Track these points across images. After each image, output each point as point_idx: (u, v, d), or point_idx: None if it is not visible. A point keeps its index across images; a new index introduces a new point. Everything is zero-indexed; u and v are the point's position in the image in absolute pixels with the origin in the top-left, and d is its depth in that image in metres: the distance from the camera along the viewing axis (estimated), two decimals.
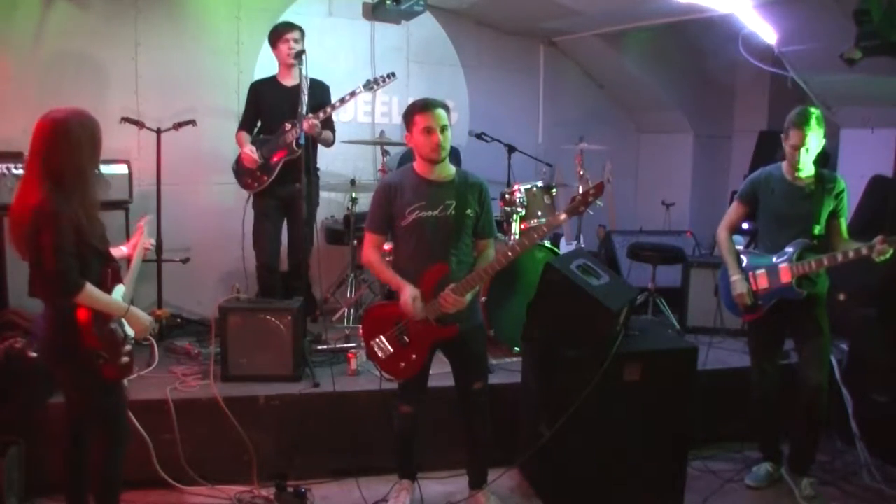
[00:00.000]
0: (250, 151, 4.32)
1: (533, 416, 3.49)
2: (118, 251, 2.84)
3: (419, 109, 2.97)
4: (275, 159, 4.30)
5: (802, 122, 3.27)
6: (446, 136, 2.98)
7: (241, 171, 4.42)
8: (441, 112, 2.97)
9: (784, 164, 3.45)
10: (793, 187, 3.40)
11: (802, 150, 3.29)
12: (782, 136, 3.39)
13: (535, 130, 6.55)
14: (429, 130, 2.94)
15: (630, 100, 6.83)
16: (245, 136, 4.44)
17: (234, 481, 3.47)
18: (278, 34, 4.33)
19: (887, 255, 3.11)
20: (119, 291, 2.66)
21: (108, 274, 2.63)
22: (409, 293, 2.96)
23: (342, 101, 4.29)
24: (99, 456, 2.72)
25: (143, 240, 2.95)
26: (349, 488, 3.47)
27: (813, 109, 3.31)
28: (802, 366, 3.47)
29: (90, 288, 2.48)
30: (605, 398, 3.17)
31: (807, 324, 3.43)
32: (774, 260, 3.40)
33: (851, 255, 3.19)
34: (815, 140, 3.29)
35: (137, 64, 4.99)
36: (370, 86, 4.33)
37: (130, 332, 2.71)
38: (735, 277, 3.48)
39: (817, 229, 3.37)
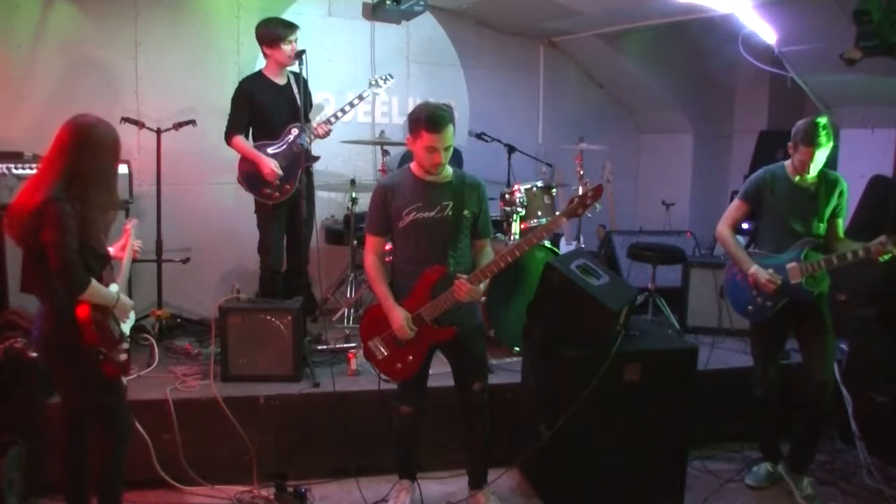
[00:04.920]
0: (275, 167, 4.20)
1: (533, 416, 3.49)
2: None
3: (428, 128, 2.87)
4: (298, 169, 4.24)
5: (811, 141, 3.23)
6: (448, 154, 2.95)
7: (259, 183, 4.27)
8: (449, 132, 2.89)
9: (788, 165, 3.44)
10: (797, 187, 3.39)
11: (812, 165, 3.28)
12: (790, 144, 3.36)
13: (535, 130, 6.55)
14: (432, 150, 2.91)
15: (630, 100, 6.84)
16: (244, 140, 4.33)
17: (234, 481, 3.47)
18: (279, 36, 4.22)
19: (886, 256, 3.11)
20: (114, 290, 2.70)
21: (104, 275, 2.66)
22: (400, 317, 2.97)
23: (351, 104, 4.26)
24: (100, 455, 2.73)
25: (131, 242, 3.01)
26: (349, 488, 3.47)
27: (822, 122, 3.24)
28: (810, 361, 3.45)
29: (95, 284, 2.53)
30: (605, 398, 3.17)
31: (813, 321, 3.43)
32: (782, 259, 3.38)
33: (861, 254, 3.17)
34: (823, 155, 3.28)
35: (137, 64, 4.99)
36: (373, 86, 4.30)
37: (126, 328, 2.77)
38: (752, 269, 3.39)
39: (821, 228, 3.37)
